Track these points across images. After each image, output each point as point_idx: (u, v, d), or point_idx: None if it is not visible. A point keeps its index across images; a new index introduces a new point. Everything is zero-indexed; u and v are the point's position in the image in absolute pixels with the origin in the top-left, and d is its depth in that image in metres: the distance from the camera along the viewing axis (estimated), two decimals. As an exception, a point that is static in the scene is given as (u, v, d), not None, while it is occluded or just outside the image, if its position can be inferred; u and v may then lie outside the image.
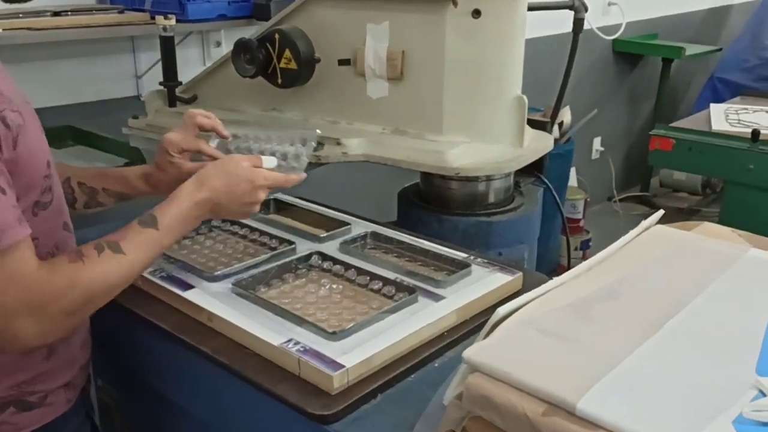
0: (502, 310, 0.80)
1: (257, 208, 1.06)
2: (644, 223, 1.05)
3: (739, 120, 2.45)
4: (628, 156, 4.42)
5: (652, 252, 0.98)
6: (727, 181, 2.33)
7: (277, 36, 1.45)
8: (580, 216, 3.39)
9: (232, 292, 1.06)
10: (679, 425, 0.63)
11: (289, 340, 0.92)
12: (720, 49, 4.16)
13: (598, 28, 3.56)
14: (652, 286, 0.89)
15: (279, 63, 1.47)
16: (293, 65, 1.46)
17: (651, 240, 1.02)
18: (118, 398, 1.24)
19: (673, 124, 2.48)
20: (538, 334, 0.77)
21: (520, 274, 1.12)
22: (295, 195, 1.48)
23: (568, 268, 1.86)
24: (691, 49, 3.91)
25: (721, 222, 2.38)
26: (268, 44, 1.46)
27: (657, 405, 0.66)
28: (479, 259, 1.17)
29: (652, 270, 0.93)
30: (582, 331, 0.78)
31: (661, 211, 1.09)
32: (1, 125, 0.82)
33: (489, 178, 1.43)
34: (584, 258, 3.43)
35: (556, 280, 0.89)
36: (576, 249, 3.37)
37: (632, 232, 1.03)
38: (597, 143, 4.08)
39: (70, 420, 1.02)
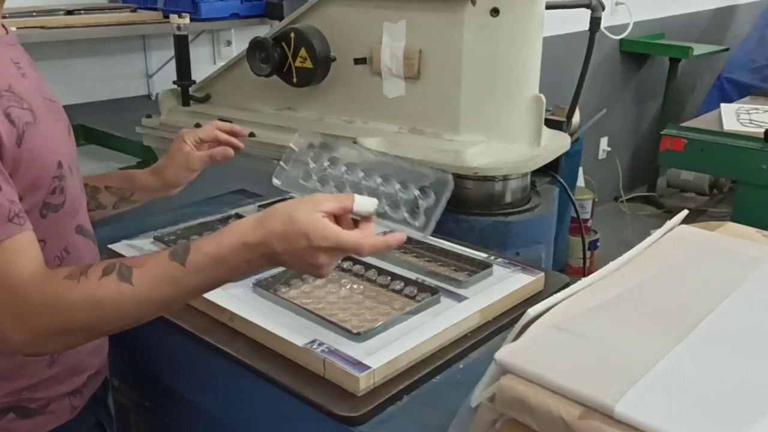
0: (532, 311, 0.79)
1: (325, 271, 0.82)
2: (669, 223, 1.04)
3: (750, 120, 2.44)
4: (634, 156, 4.41)
5: (679, 252, 0.97)
6: (739, 181, 2.32)
7: (292, 35, 1.44)
8: (588, 216, 3.38)
9: (253, 292, 1.05)
10: (720, 428, 0.63)
11: (313, 341, 0.91)
12: (727, 49, 4.15)
13: (606, 28, 3.56)
14: (681, 287, 0.88)
15: (294, 62, 1.46)
16: (309, 64, 1.45)
17: (676, 240, 1.01)
18: (135, 399, 1.23)
19: (684, 124, 2.47)
20: (569, 336, 0.77)
21: (542, 274, 1.11)
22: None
23: (584, 268, 1.85)
24: (699, 49, 3.90)
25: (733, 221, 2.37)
26: (283, 43, 1.45)
27: (696, 408, 0.65)
28: (500, 259, 1.16)
29: (680, 271, 0.92)
30: (614, 333, 0.77)
31: (685, 211, 1.08)
32: (5, 121, 0.80)
33: (506, 178, 1.42)
34: (592, 258, 3.43)
35: (584, 281, 0.88)
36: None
37: (657, 232, 1.02)
38: (604, 143, 4.07)
39: (74, 429, 0.99)
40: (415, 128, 1.40)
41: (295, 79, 1.48)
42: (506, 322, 1.04)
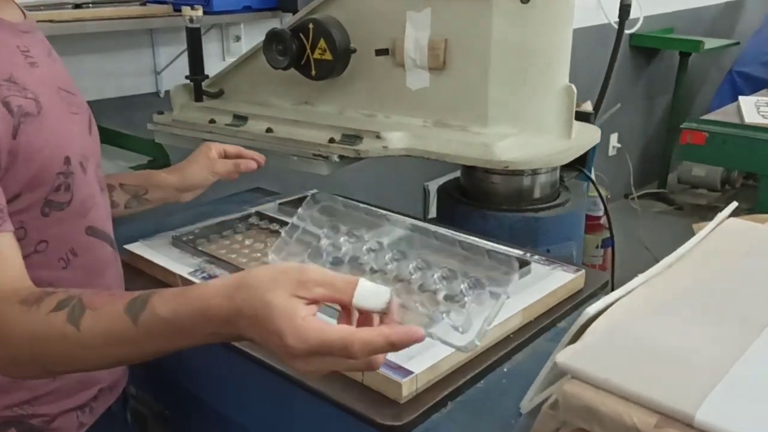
0: (591, 310, 0.73)
1: (315, 375, 0.65)
2: (720, 216, 0.99)
3: (771, 112, 2.39)
4: (644, 152, 4.35)
5: (734, 247, 0.91)
6: (762, 174, 2.27)
7: (311, 26, 1.39)
8: (601, 213, 3.32)
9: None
10: (815, 436, 0.57)
11: (349, 345, 0.86)
12: (738, 43, 4.10)
13: (616, 22, 3.52)
14: (743, 283, 0.83)
15: (313, 54, 1.41)
16: (328, 56, 1.40)
17: (729, 234, 0.95)
18: (154, 408, 1.17)
19: (704, 117, 2.42)
20: (633, 337, 0.71)
21: (583, 271, 1.06)
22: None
23: (613, 268, 1.79)
24: (710, 43, 3.85)
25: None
26: (301, 34, 1.40)
27: (782, 414, 0.60)
28: (536, 257, 1.10)
29: (739, 266, 0.86)
30: (680, 334, 0.72)
31: (735, 203, 1.03)
32: (2, 110, 0.75)
33: (535, 172, 1.37)
34: (605, 256, 3.37)
35: (640, 278, 0.82)
36: (597, 247, 3.30)
37: (709, 225, 0.96)
38: (614, 139, 4.01)
39: None
40: (441, 121, 1.35)
41: (313, 72, 1.42)
42: (549, 322, 0.98)
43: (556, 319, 1.00)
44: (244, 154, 1.21)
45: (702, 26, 4.36)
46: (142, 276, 1.12)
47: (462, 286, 0.73)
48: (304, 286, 0.62)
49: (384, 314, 0.64)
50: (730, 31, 4.60)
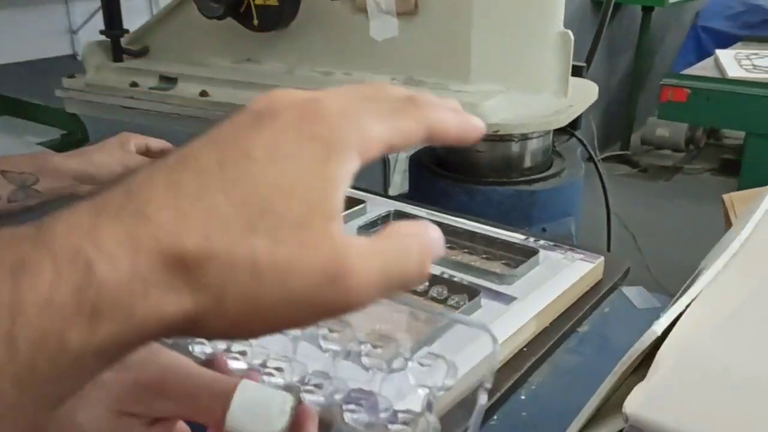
0: (658, 328, 0.52)
1: None
2: (775, 187, 0.80)
3: (754, 65, 2.23)
4: (606, 113, 4.20)
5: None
6: (750, 133, 2.11)
7: (250, -36, 1.14)
8: (569, 179, 3.17)
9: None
10: None
11: (317, 378, 0.63)
12: (701, -4, 3.96)
13: (579, -25, 3.33)
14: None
15: (254, -1, 1.16)
16: (273, 1, 1.15)
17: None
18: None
19: (686, 72, 2.25)
20: (716, 369, 0.51)
21: (602, 259, 0.85)
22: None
23: (609, 242, 1.60)
24: (674, -4, 3.70)
25: (741, 179, 2.17)
26: (239, -25, 1.15)
27: None
28: (542, 241, 0.89)
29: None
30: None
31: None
32: None
33: (526, 137, 1.15)
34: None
35: (704, 279, 0.62)
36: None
37: (765, 202, 0.77)
38: (576, 100, 3.85)
39: None
40: (413, 78, 1.12)
41: (255, 21, 1.17)
42: (568, 327, 0.78)
43: (575, 324, 0.79)
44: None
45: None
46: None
47: (409, 378, 0.45)
48: (139, 396, 0.38)
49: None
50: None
